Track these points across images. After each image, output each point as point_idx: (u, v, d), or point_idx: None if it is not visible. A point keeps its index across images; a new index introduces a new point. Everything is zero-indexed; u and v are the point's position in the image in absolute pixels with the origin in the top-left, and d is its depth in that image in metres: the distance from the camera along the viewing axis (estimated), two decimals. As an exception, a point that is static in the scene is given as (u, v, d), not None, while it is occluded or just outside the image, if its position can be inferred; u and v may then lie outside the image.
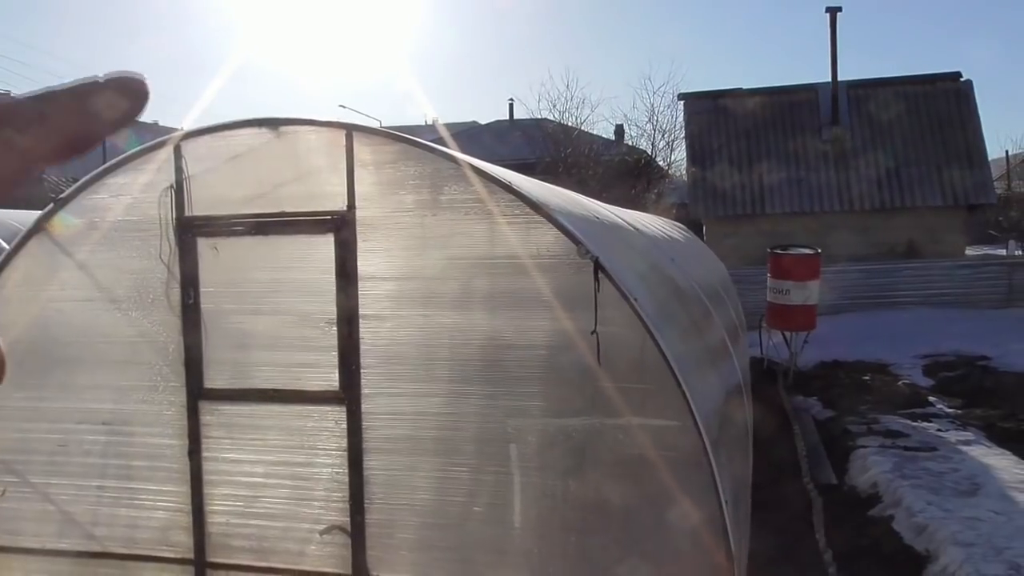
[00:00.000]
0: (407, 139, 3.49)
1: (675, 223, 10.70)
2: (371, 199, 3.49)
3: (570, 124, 24.67)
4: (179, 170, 3.64)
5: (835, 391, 11.03)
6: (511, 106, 33.00)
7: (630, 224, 5.33)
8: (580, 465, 3.42)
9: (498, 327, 3.47)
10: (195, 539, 3.81)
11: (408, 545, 3.60)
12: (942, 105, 19.79)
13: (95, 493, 3.96)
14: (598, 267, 3.20)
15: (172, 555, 3.86)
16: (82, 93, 0.46)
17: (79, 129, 0.47)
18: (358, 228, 3.48)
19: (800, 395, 11.04)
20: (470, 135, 27.16)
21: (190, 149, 3.64)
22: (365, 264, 3.51)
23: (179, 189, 3.64)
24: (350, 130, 3.44)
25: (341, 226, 3.47)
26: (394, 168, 3.47)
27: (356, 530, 3.59)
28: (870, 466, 7.61)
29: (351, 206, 3.47)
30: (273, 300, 3.66)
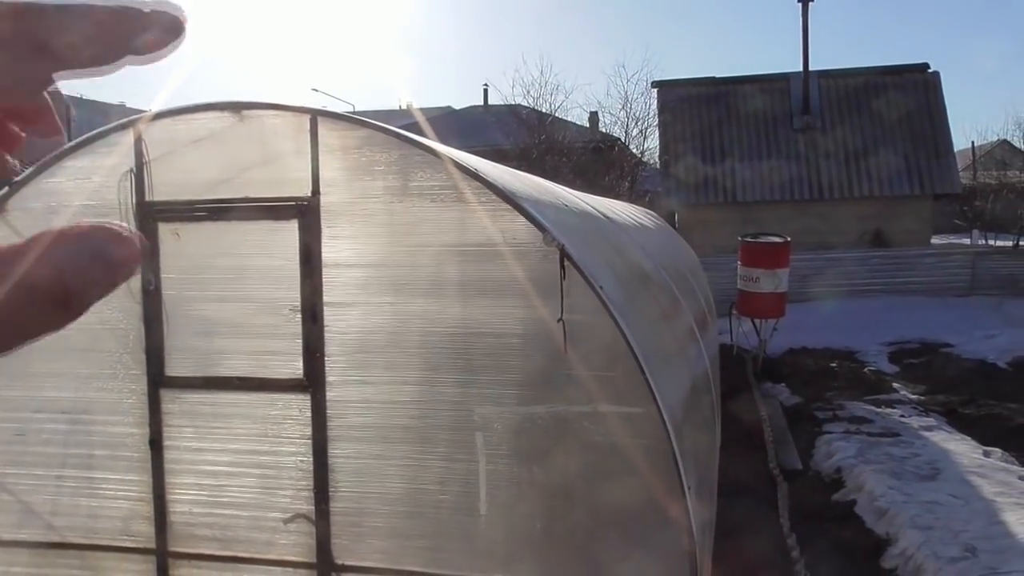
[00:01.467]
0: (373, 124, 3.45)
1: (647, 211, 10.73)
2: (337, 185, 3.45)
3: (544, 110, 24.63)
4: (139, 154, 3.57)
5: (803, 377, 11.19)
6: (485, 92, 32.81)
7: (600, 212, 5.33)
8: (548, 452, 3.42)
9: (465, 315, 3.45)
10: (157, 529, 3.76)
11: (375, 533, 3.58)
12: (910, 96, 20.04)
13: (54, 483, 3.89)
14: (564, 255, 3.19)
15: (133, 545, 3.81)
16: (116, 9, 0.44)
17: (108, 38, 0.44)
18: (323, 214, 3.43)
19: (769, 381, 11.17)
20: (444, 120, 26.98)
21: (151, 132, 3.57)
22: (330, 250, 3.46)
23: (139, 173, 3.57)
24: (315, 114, 3.39)
25: (305, 212, 3.43)
26: (360, 154, 3.43)
27: (321, 519, 3.57)
28: (835, 451, 7.73)
29: (316, 192, 3.42)
30: (237, 287, 3.61)
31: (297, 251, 3.46)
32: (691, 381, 4.66)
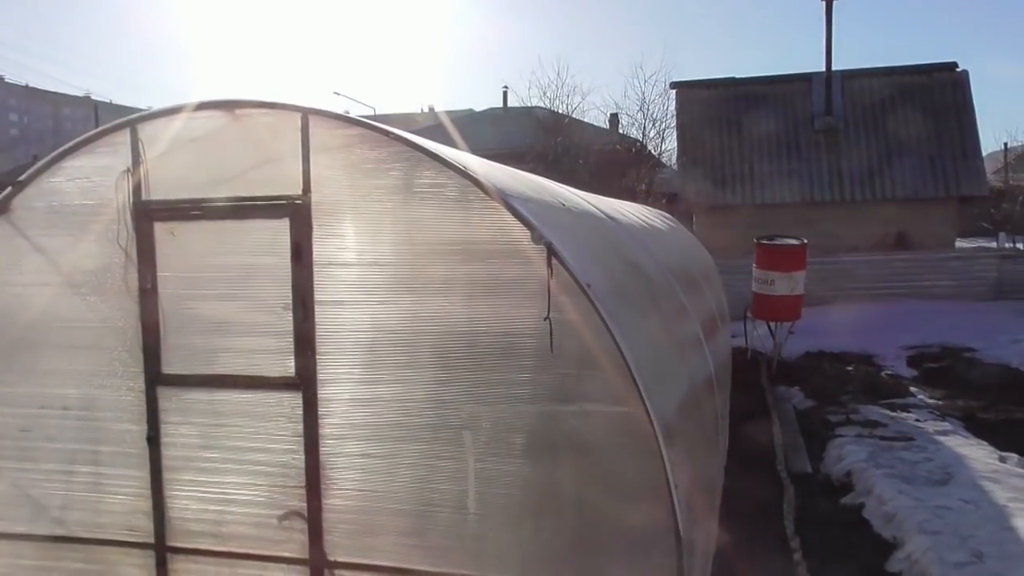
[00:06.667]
0: (365, 123, 3.47)
1: (662, 213, 10.67)
2: (328, 183, 3.48)
3: (561, 112, 24.60)
4: (136, 153, 3.62)
5: (818, 381, 11.04)
6: (505, 94, 32.88)
7: (602, 211, 5.32)
8: (535, 451, 3.42)
9: (455, 313, 3.45)
10: (155, 524, 3.82)
11: (366, 530, 3.60)
12: (937, 96, 19.75)
13: (56, 478, 3.96)
14: (551, 252, 3.19)
15: (134, 539, 3.87)
16: None
17: None
18: (314, 212, 3.46)
19: (783, 385, 11.06)
20: (465, 123, 27.06)
21: (147, 132, 3.63)
22: (321, 249, 3.50)
23: (135, 173, 3.63)
24: (306, 113, 3.42)
25: (296, 210, 3.46)
26: (351, 152, 3.45)
27: (313, 515, 3.60)
28: (845, 455, 7.64)
29: (307, 190, 3.46)
30: (231, 285, 3.65)
31: (289, 249, 3.50)
32: (689, 383, 4.63)
